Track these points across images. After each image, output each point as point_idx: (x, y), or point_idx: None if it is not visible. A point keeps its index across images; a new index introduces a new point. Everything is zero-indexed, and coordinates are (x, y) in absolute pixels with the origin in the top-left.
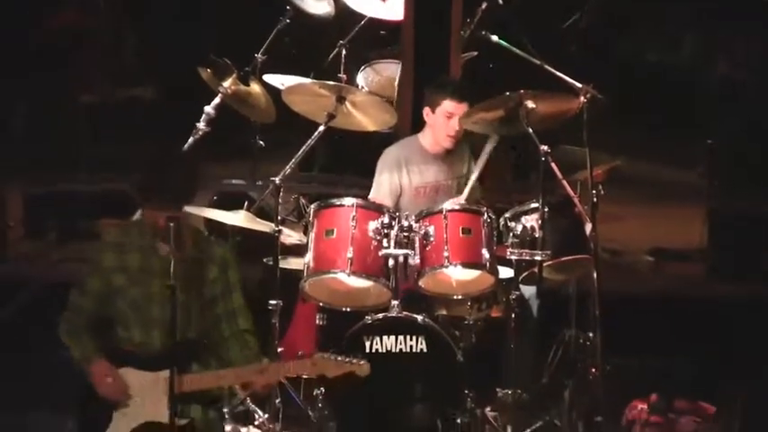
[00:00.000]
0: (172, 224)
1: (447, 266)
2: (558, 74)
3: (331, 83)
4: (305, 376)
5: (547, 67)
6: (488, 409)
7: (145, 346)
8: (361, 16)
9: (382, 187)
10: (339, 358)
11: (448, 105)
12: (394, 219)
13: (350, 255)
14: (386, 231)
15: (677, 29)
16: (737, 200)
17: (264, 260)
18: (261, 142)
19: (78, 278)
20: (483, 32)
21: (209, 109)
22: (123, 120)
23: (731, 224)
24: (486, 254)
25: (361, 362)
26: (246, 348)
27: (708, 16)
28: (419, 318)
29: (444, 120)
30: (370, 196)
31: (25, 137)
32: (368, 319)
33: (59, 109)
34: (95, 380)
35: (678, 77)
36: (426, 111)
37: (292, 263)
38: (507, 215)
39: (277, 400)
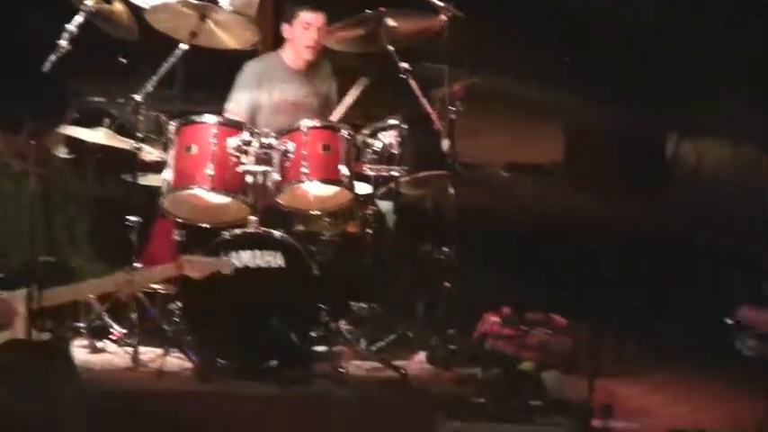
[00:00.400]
0: (34, 143)
1: (305, 182)
2: None
3: (194, 1)
4: (162, 291)
5: None
6: (343, 322)
7: (3, 265)
8: None
9: (239, 103)
10: (203, 259)
11: (305, 16)
12: (254, 136)
13: (209, 171)
14: (245, 148)
15: None
16: (593, 115)
17: (124, 177)
18: (123, 60)
19: None
20: None
21: (71, 27)
22: None
23: (586, 139)
24: (344, 170)
25: (224, 258)
26: (101, 262)
27: None
28: (276, 233)
29: (302, 31)
30: (226, 110)
31: None
32: (226, 234)
33: None
34: None
35: None
36: (284, 26)
37: (152, 179)
38: (365, 131)
39: (133, 315)
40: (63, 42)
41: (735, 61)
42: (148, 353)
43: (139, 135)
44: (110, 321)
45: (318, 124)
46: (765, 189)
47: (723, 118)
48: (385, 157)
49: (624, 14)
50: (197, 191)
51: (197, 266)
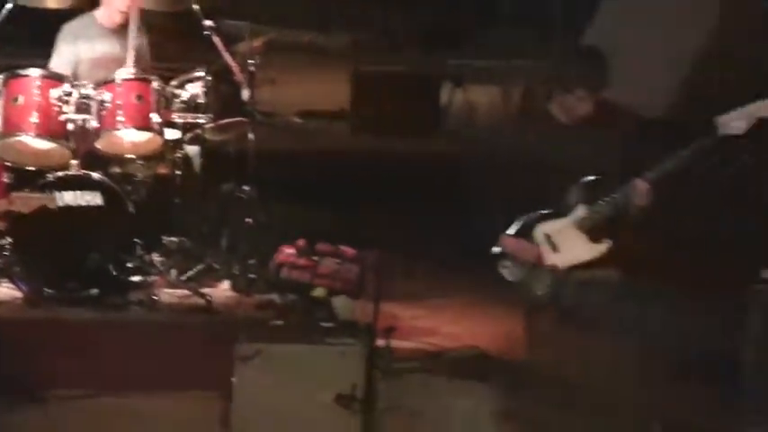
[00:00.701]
0: None
1: (120, 129)
2: None
3: None
4: None
5: None
6: (156, 254)
7: None
8: None
9: (61, 58)
10: (31, 195)
11: None
12: (74, 87)
13: (34, 119)
14: (67, 99)
15: None
16: (377, 63)
17: None
18: None
19: None
20: None
21: None
22: None
23: (372, 86)
24: (155, 118)
25: (51, 196)
26: None
27: None
28: (95, 175)
29: None
30: (50, 66)
31: None
32: (49, 176)
33: None
34: None
35: None
36: None
37: None
38: (174, 83)
39: None
40: None
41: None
42: None
43: None
44: None
45: (131, 76)
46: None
47: (493, 63)
48: (192, 106)
49: None
50: (23, 138)
51: (25, 202)
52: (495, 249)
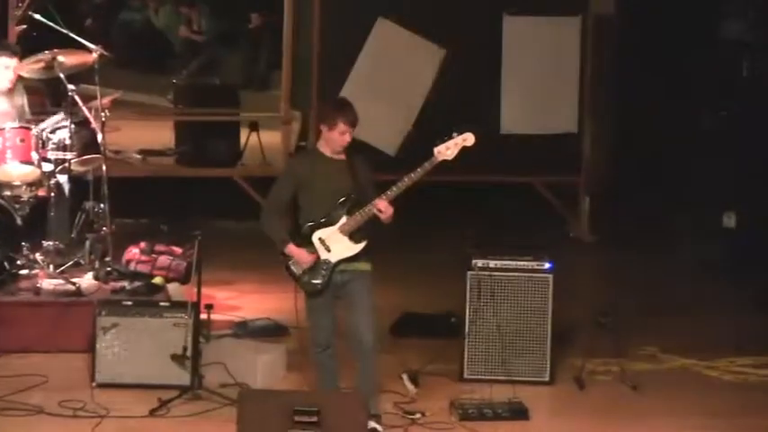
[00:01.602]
0: None
1: (8, 163)
2: (79, 39)
3: None
4: None
5: (71, 34)
6: (38, 254)
7: None
8: None
9: None
10: None
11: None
12: None
13: None
14: None
15: None
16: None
17: None
18: None
19: None
20: (30, 12)
21: None
22: None
23: (188, 131)
24: (35, 155)
25: None
26: None
27: None
28: None
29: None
30: None
31: None
32: None
33: None
34: None
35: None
36: None
37: None
38: (48, 129)
39: None
40: None
41: None
42: None
43: None
44: None
45: (16, 125)
46: None
47: None
48: (61, 146)
49: None
50: None
51: None
52: (285, 252)
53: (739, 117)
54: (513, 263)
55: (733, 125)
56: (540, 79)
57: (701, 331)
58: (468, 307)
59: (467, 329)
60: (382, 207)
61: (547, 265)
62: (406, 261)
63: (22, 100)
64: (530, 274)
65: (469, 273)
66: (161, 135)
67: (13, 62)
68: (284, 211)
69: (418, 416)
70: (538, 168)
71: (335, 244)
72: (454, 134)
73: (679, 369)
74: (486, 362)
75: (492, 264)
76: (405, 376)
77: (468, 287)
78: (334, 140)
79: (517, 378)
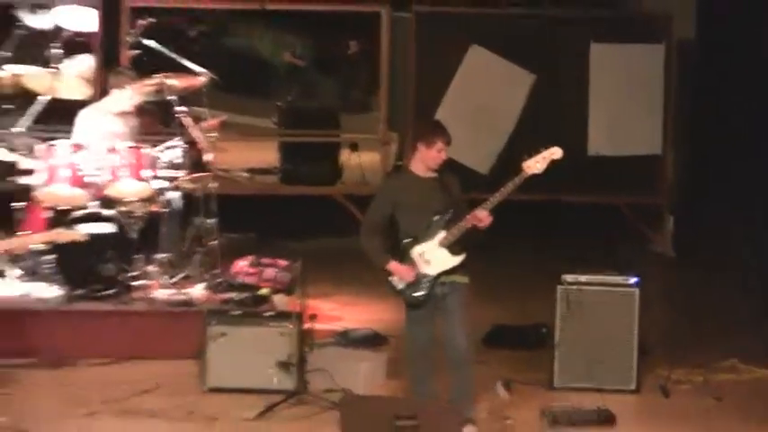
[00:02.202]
0: None
1: (123, 181)
2: (187, 63)
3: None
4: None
5: (180, 59)
6: (152, 266)
7: None
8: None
9: (83, 133)
10: (67, 231)
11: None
12: (91, 152)
13: (66, 174)
14: (86, 160)
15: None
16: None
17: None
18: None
19: None
20: (141, 38)
21: None
22: None
23: (291, 151)
24: (147, 173)
25: (79, 231)
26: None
27: None
28: (107, 212)
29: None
30: (73, 138)
31: None
32: (75, 213)
33: None
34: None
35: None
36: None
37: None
38: (159, 148)
39: (26, 261)
40: None
41: None
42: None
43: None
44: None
45: (130, 145)
46: None
47: None
48: (172, 165)
49: None
50: (59, 186)
51: (64, 235)
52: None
53: None
54: (601, 278)
55: None
56: (626, 103)
57: None
58: (558, 318)
59: (557, 340)
60: (482, 217)
61: (633, 281)
62: (495, 275)
63: (134, 121)
64: (617, 288)
65: (559, 287)
66: (266, 155)
67: (133, 87)
68: (382, 229)
69: (510, 421)
70: (623, 189)
71: (435, 257)
72: (542, 149)
73: (759, 379)
74: (575, 371)
75: (582, 278)
76: (498, 384)
77: (558, 300)
78: (431, 158)
79: (605, 387)
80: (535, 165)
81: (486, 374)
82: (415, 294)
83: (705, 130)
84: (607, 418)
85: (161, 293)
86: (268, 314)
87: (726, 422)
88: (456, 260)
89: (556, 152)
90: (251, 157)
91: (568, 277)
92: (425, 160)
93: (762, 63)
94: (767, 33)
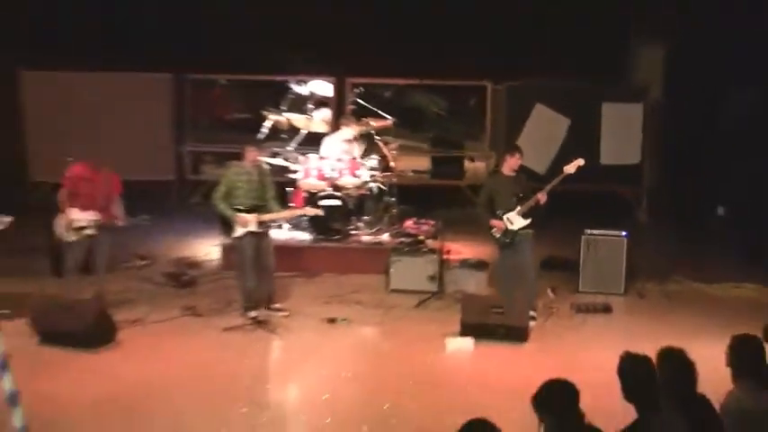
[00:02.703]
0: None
1: (345, 177)
2: (381, 112)
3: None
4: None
5: (377, 110)
6: (359, 222)
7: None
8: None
9: (327, 149)
10: (311, 209)
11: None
12: (331, 161)
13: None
14: (328, 165)
15: None
16: (441, 152)
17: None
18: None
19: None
20: (357, 99)
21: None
22: None
23: (437, 161)
24: (359, 173)
25: (316, 210)
26: (281, 206)
27: None
28: (336, 193)
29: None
30: (321, 152)
31: None
32: (319, 194)
33: None
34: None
35: (420, 112)
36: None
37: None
38: (366, 160)
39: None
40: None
41: None
42: (299, 233)
43: (291, 161)
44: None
45: (351, 157)
46: None
47: None
48: (372, 168)
49: None
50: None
51: (309, 211)
52: (491, 224)
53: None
54: (606, 231)
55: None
56: (621, 134)
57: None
58: (581, 253)
59: (581, 265)
60: (541, 197)
61: (623, 234)
62: (547, 230)
63: (355, 145)
64: (614, 238)
65: (583, 236)
66: (422, 163)
67: (352, 126)
68: (487, 205)
69: (555, 309)
70: (620, 182)
71: (515, 220)
72: (573, 159)
73: (694, 288)
74: (591, 282)
75: (595, 232)
76: (548, 289)
77: (582, 243)
78: (513, 163)
79: (606, 291)
80: (569, 168)
81: (542, 284)
82: (505, 239)
83: (669, 149)
84: (607, 308)
85: (365, 238)
86: (423, 249)
87: (672, 310)
88: (526, 222)
89: (580, 161)
90: (415, 164)
91: (588, 231)
92: (509, 165)
93: (706, 111)
94: (711, 93)
